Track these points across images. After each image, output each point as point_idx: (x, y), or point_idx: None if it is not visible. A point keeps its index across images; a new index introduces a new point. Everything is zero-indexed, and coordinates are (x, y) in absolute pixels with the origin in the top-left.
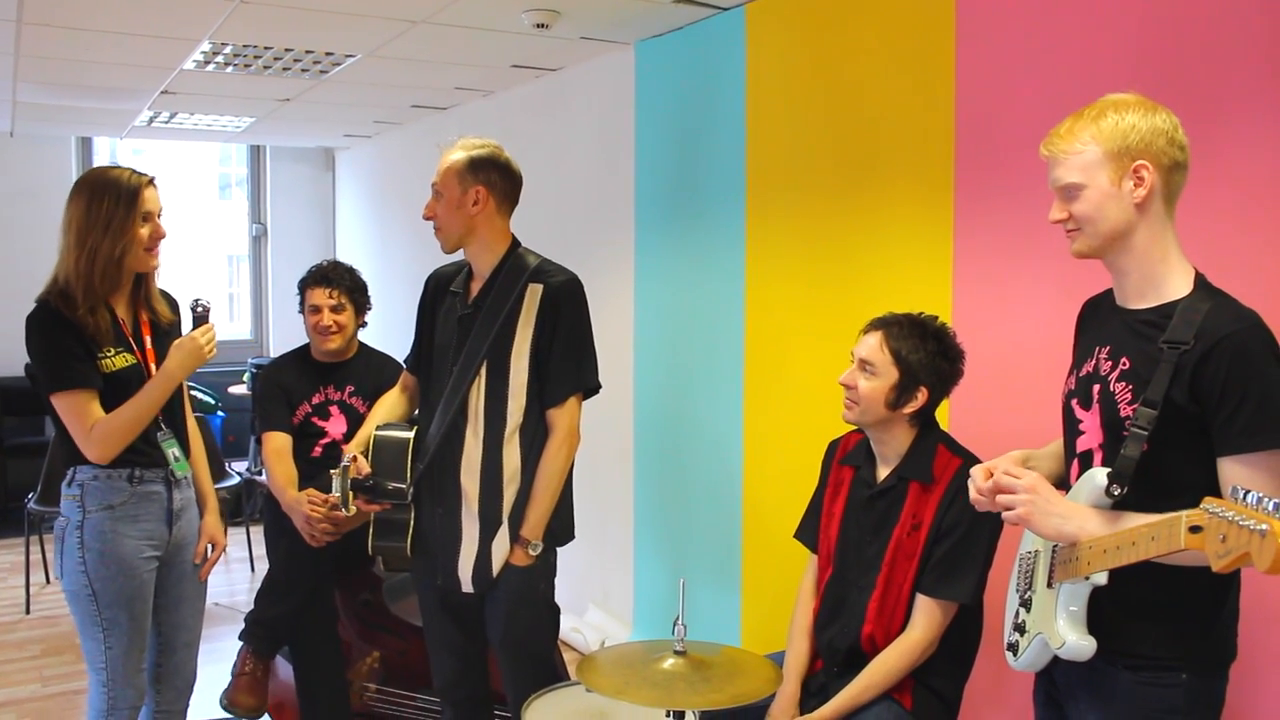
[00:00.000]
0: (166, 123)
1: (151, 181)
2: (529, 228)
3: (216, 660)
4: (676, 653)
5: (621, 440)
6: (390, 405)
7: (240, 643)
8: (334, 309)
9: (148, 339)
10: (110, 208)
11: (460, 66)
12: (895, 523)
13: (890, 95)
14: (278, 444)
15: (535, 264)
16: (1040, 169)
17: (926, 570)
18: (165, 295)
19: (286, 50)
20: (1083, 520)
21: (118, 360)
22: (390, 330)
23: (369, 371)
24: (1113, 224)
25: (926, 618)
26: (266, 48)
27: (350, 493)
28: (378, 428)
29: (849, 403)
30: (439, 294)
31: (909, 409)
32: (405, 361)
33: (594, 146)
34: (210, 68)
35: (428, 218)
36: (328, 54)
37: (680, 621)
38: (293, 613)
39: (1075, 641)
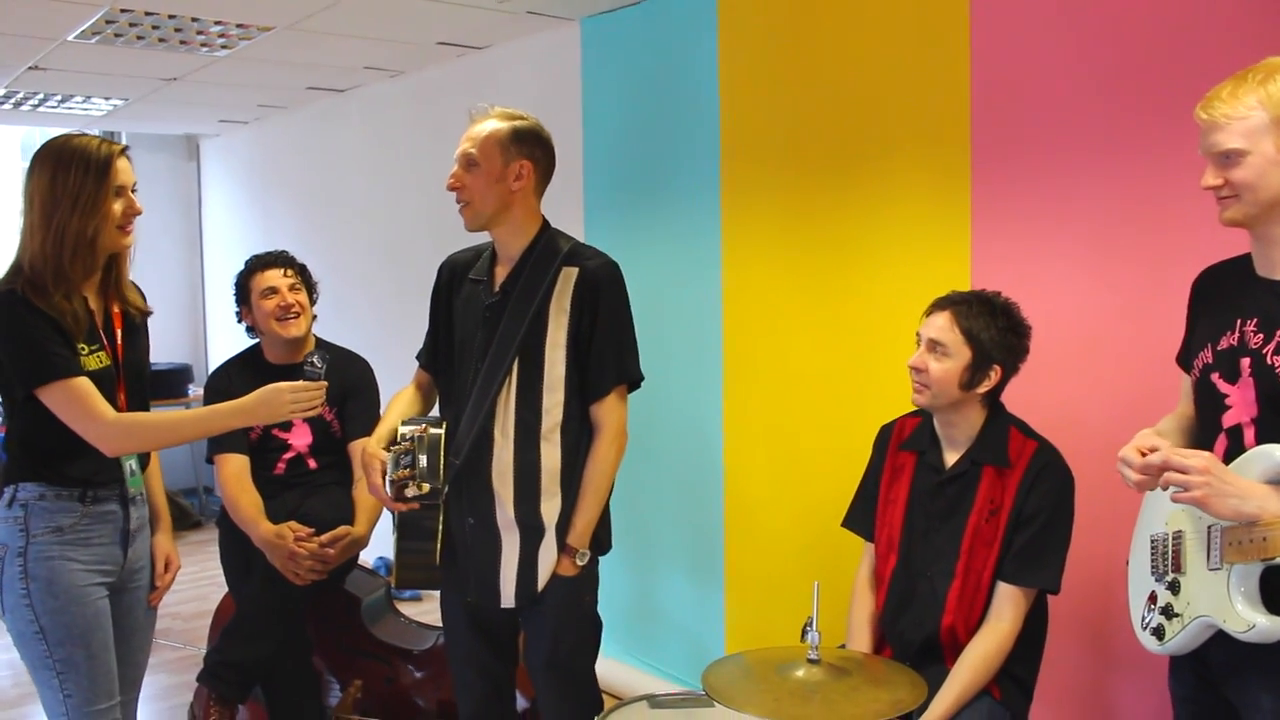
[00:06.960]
0: (18, 105)
1: (124, 151)
2: (452, 226)
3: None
4: (810, 661)
5: None
6: (406, 403)
7: (197, 684)
8: (293, 288)
9: (118, 333)
10: (79, 180)
11: (377, 42)
12: (970, 508)
13: (896, 62)
14: (235, 468)
15: (569, 247)
16: (1065, 140)
17: (1010, 557)
18: (133, 284)
19: (193, 20)
20: (1262, 500)
21: (91, 360)
22: None
23: (332, 372)
24: (1274, 191)
25: (1013, 607)
26: (171, 16)
27: (441, 464)
28: (403, 422)
29: (919, 386)
30: (456, 282)
31: (983, 389)
32: (418, 357)
33: None
34: (95, 40)
35: (454, 188)
36: (239, 26)
37: (814, 627)
38: (268, 654)
39: (1266, 624)
